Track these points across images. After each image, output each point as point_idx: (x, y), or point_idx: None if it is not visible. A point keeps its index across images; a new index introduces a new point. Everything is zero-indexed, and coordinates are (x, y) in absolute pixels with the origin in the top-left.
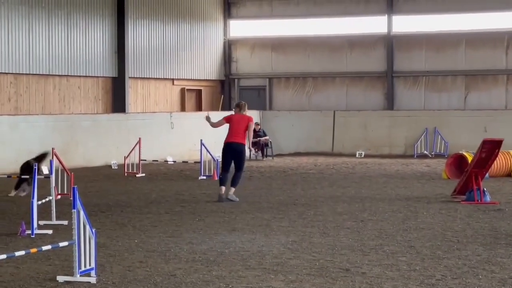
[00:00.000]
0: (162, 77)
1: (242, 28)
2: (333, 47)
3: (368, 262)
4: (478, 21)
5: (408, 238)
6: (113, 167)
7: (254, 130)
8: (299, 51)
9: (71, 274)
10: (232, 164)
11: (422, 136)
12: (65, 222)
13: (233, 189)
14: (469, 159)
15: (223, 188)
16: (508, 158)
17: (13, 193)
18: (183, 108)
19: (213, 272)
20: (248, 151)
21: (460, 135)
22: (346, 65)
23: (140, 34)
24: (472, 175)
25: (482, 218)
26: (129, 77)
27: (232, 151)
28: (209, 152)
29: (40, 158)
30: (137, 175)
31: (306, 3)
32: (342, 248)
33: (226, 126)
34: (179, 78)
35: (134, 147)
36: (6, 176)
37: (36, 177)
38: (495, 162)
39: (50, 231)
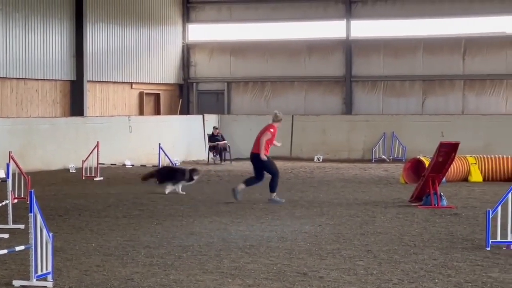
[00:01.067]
0: (121, 81)
1: (201, 32)
2: (292, 51)
3: (326, 266)
4: (435, 27)
5: (365, 243)
6: (71, 171)
7: (213, 134)
8: (258, 55)
9: (28, 278)
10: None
11: (380, 141)
12: (22, 226)
13: (273, 194)
14: (427, 163)
15: (242, 185)
16: (465, 163)
17: None
18: (141, 112)
19: (171, 276)
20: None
21: (417, 140)
22: (304, 69)
23: (99, 38)
24: (429, 179)
25: (439, 222)
26: (88, 81)
27: (252, 162)
28: (167, 156)
29: None
30: (95, 179)
31: (265, 8)
32: (300, 253)
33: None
34: (137, 82)
35: (92, 150)
36: None
37: None
38: (451, 166)
39: (6, 235)
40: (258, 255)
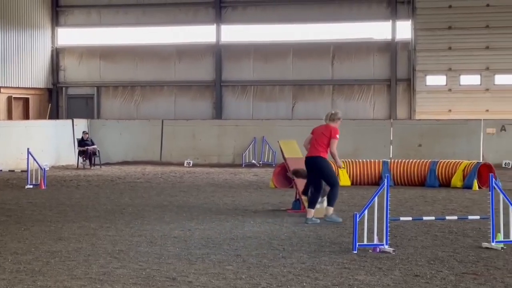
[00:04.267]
0: None
1: (71, 36)
2: (162, 56)
3: (195, 271)
4: (305, 32)
5: (235, 247)
6: None
7: (82, 138)
8: (128, 60)
9: None
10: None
11: (250, 145)
12: None
13: (330, 209)
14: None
15: (312, 210)
16: (333, 167)
17: None
18: (10, 117)
19: (38, 282)
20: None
21: None
22: (174, 74)
23: None
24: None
25: (308, 226)
26: None
27: (308, 166)
28: (36, 161)
29: None
30: None
31: (135, 12)
32: (169, 257)
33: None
34: (5, 86)
35: None
36: None
37: None
38: None
39: None
40: (127, 260)
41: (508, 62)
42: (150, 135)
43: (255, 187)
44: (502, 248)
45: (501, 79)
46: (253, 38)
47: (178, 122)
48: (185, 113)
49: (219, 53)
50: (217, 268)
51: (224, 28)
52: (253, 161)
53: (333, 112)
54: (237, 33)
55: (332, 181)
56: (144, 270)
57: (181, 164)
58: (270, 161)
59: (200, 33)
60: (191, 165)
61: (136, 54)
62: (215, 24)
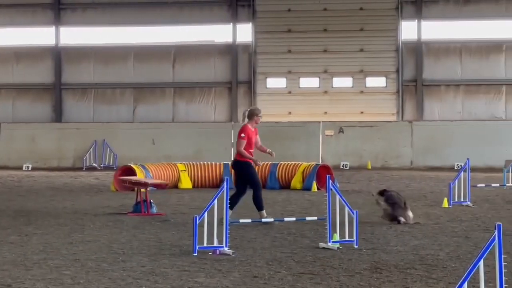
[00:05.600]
0: None
1: None
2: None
3: (31, 277)
4: (146, 35)
5: (73, 251)
6: None
7: None
8: None
9: None
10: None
11: (91, 149)
12: None
13: (262, 213)
14: (137, 171)
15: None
16: (175, 170)
17: None
18: None
19: None
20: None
21: (129, 148)
22: (12, 76)
23: None
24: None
25: (148, 229)
26: None
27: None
28: None
29: None
30: None
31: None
32: (5, 264)
33: None
34: None
35: None
36: None
37: None
38: (161, 174)
39: None
40: None
41: (345, 65)
42: None
43: (95, 191)
44: (338, 248)
45: (338, 82)
46: (93, 40)
47: (17, 125)
48: (24, 116)
49: (58, 55)
50: (55, 273)
51: (64, 30)
52: (94, 164)
53: (244, 110)
54: (77, 35)
55: (251, 183)
56: None
57: (20, 168)
58: (111, 164)
59: (39, 35)
60: (30, 168)
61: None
62: (54, 26)
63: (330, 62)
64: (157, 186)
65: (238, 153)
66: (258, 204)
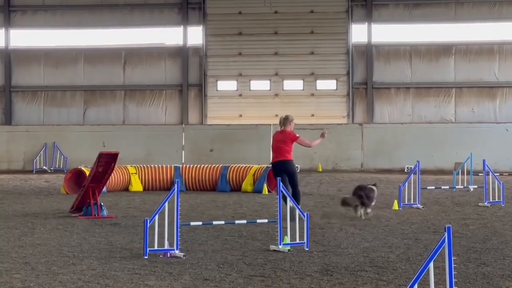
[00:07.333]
0: None
1: None
2: None
3: None
4: (96, 37)
5: (23, 255)
6: None
7: None
8: None
9: None
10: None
11: (42, 151)
12: None
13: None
14: (88, 174)
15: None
16: (125, 173)
17: None
18: None
19: None
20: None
21: (79, 150)
22: None
23: None
24: (89, 189)
25: (99, 232)
26: None
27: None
28: None
29: None
30: None
31: None
32: None
33: None
34: None
35: None
36: None
37: None
38: (112, 176)
39: None
40: None
41: (296, 68)
42: None
43: (46, 193)
44: (288, 250)
45: (289, 85)
46: (43, 43)
47: None
48: None
49: (8, 57)
50: (4, 277)
51: (14, 32)
52: (44, 167)
53: (283, 117)
54: (27, 38)
55: (297, 182)
56: None
57: None
58: (61, 167)
59: None
60: None
61: None
62: (3, 29)
63: (280, 65)
64: (111, 154)
65: (309, 146)
66: (298, 201)
